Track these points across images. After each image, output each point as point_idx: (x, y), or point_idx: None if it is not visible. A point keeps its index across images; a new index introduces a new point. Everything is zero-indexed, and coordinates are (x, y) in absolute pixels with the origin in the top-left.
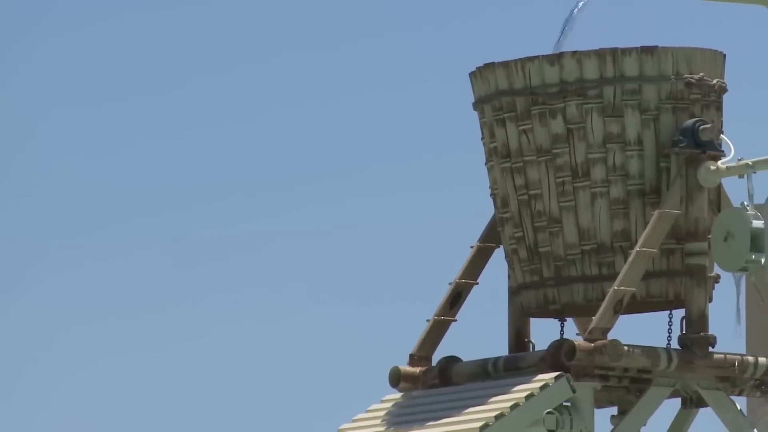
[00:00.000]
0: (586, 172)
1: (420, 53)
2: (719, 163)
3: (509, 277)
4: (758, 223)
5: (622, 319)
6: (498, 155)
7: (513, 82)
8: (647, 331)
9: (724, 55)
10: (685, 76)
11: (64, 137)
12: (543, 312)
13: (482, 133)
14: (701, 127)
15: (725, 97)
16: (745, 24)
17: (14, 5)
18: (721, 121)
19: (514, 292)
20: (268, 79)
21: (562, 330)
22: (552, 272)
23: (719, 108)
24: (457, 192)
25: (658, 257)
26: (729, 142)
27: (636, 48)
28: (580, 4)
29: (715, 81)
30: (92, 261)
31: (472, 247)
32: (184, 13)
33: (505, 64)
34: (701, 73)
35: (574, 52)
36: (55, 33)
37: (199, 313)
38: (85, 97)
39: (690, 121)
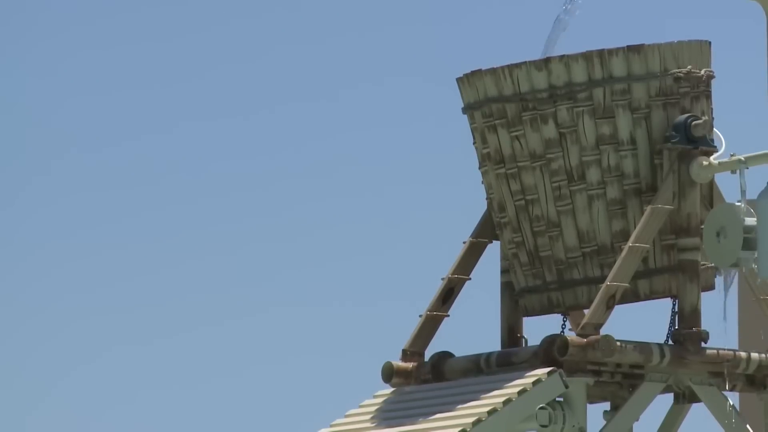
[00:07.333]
0: (582, 175)
1: (413, 52)
2: (711, 158)
3: (502, 271)
4: (750, 219)
5: (617, 313)
6: (491, 161)
7: (502, 88)
8: (642, 325)
9: (710, 43)
10: (673, 70)
11: (62, 134)
12: (546, 313)
13: (474, 137)
14: (693, 122)
15: (715, 83)
16: (732, 16)
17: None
18: (712, 109)
19: (517, 294)
20: (263, 76)
21: (563, 324)
22: (554, 276)
23: (708, 97)
24: (450, 187)
25: (659, 254)
26: (721, 136)
27: (622, 48)
28: (567, 7)
29: (702, 71)
30: (91, 257)
31: (464, 242)
32: (177, 11)
33: (493, 71)
34: (689, 66)
35: (561, 56)
36: (54, 28)
37: (193, 310)
38: (81, 94)
39: (682, 117)
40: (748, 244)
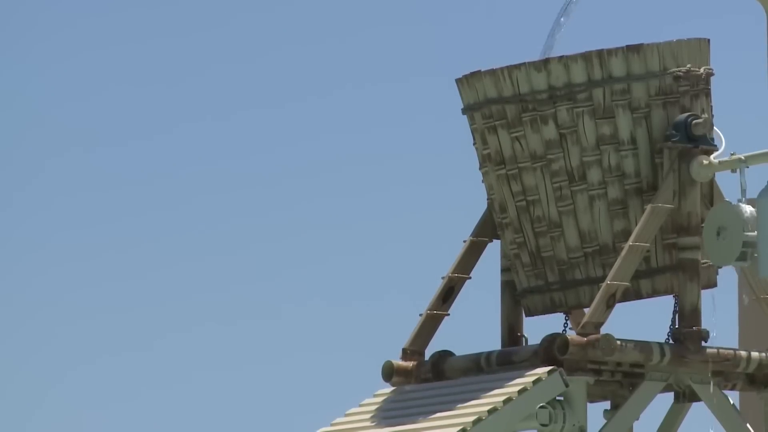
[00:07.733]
0: (582, 175)
1: (413, 52)
2: (712, 157)
3: (502, 270)
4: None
5: (617, 312)
6: (492, 162)
7: (501, 89)
8: (642, 324)
9: (709, 41)
10: (672, 69)
11: (62, 133)
12: (548, 313)
13: (474, 138)
14: (694, 121)
15: (714, 81)
16: (731, 14)
17: None
18: (711, 107)
19: (519, 295)
20: (264, 76)
21: (565, 323)
22: (557, 276)
23: (708, 95)
24: (450, 186)
25: (660, 253)
26: (721, 134)
27: (621, 48)
28: (567, 7)
29: (702, 69)
30: (91, 257)
31: (464, 241)
32: (177, 11)
33: (492, 72)
34: (688, 65)
35: (561, 57)
36: (54, 28)
37: (194, 309)
38: (81, 93)
39: (683, 116)
40: (743, 256)
